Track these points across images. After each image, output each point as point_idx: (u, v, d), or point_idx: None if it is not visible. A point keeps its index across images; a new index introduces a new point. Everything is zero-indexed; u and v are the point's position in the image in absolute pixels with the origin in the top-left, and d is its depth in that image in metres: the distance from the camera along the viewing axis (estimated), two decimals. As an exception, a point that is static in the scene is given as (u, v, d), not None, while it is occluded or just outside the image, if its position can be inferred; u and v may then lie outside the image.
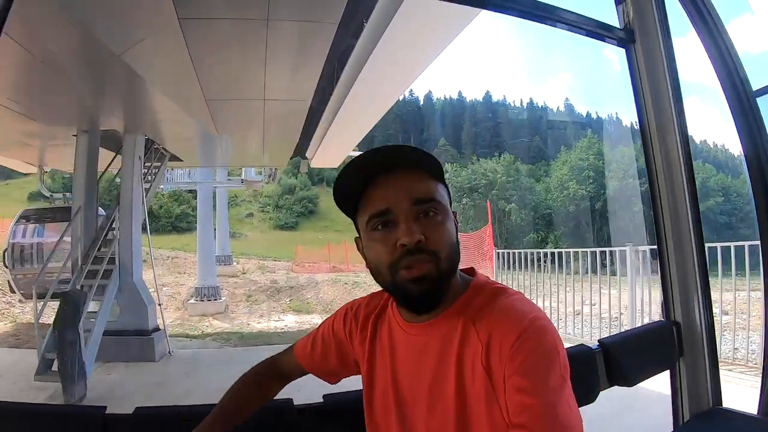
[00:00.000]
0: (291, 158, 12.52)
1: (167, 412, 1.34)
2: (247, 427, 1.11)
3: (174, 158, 9.54)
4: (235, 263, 21.14)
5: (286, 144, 9.36)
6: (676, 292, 1.78)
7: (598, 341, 1.60)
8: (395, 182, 0.87)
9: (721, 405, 1.76)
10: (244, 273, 20.58)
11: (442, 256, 0.85)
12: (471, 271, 0.97)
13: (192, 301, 16.42)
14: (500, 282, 0.98)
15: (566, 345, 0.87)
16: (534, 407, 0.74)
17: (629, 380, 1.64)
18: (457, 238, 0.89)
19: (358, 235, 0.94)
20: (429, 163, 0.89)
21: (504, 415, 0.80)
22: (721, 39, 1.69)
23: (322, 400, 1.30)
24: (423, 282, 0.85)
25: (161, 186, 16.41)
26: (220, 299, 16.37)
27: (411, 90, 38.72)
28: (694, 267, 1.76)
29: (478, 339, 0.84)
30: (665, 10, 1.77)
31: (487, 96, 39.92)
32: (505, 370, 0.79)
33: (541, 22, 1.76)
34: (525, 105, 39.34)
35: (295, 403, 1.29)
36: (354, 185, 0.90)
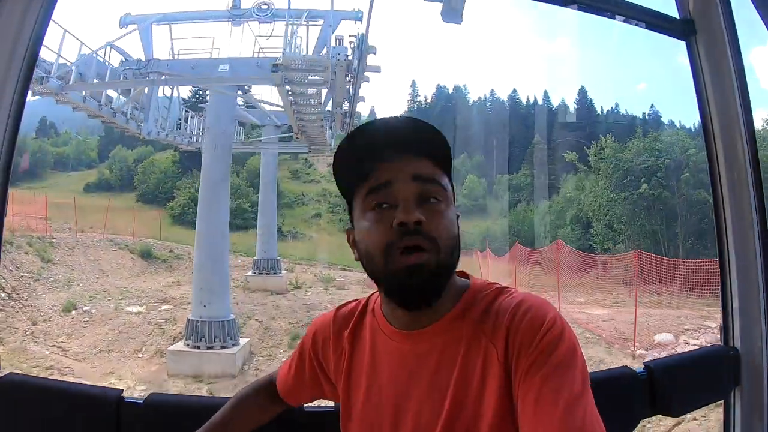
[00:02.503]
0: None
1: (179, 401, 1.35)
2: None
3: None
4: (284, 272, 17.42)
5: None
6: (737, 316, 1.59)
7: (645, 364, 1.45)
8: (400, 164, 0.81)
9: (781, 441, 1.55)
10: (298, 287, 16.35)
11: (442, 245, 0.78)
12: (464, 275, 0.90)
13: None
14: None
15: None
16: (555, 415, 0.70)
17: (675, 410, 1.49)
18: (458, 233, 0.82)
19: (350, 227, 0.88)
20: (438, 150, 0.84)
21: (518, 420, 0.74)
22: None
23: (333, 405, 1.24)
24: (420, 272, 0.77)
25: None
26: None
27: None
28: (758, 288, 1.55)
29: (491, 342, 0.79)
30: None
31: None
32: (524, 373, 0.74)
33: (598, 14, 1.67)
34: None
35: None
36: (358, 159, 0.83)
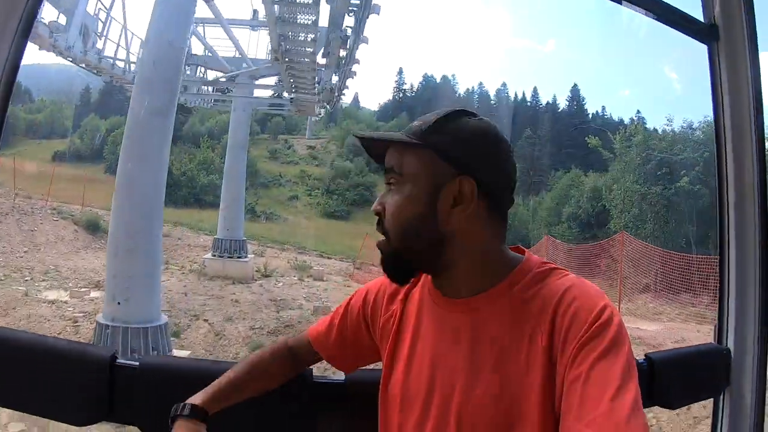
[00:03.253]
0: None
1: (174, 364, 1.31)
2: (262, 397, 1.06)
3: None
4: (250, 257, 14.65)
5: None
6: (732, 317, 1.64)
7: (646, 355, 1.48)
8: (386, 157, 0.88)
9: (765, 441, 1.61)
10: (267, 276, 13.66)
11: (391, 236, 0.85)
12: (520, 250, 0.89)
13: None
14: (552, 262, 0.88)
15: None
16: (599, 410, 0.68)
17: (673, 403, 1.53)
18: (430, 212, 0.82)
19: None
20: (403, 137, 0.86)
21: (561, 412, 0.73)
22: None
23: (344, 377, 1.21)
24: (381, 252, 0.88)
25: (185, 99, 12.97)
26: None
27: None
28: (754, 290, 1.61)
29: (536, 324, 0.78)
30: (753, 10, 1.63)
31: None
32: (568, 365, 0.73)
33: (625, 5, 1.66)
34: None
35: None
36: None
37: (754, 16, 1.59)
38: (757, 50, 1.62)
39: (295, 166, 27.74)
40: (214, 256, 14.06)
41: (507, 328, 0.79)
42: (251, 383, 1.04)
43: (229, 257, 13.90)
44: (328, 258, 18.07)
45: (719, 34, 1.64)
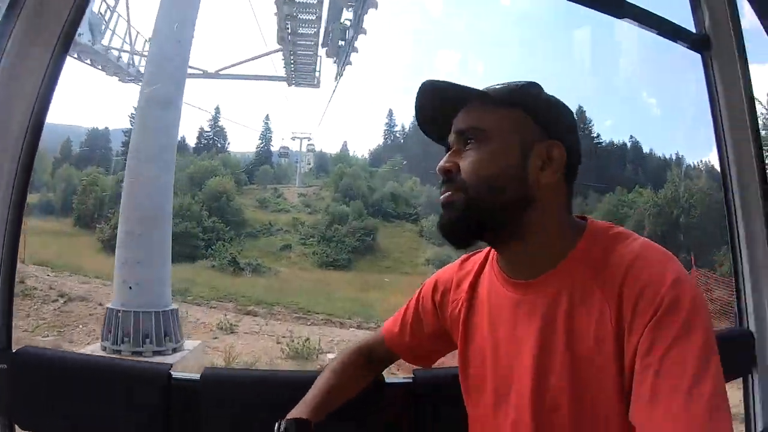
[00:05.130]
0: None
1: (236, 375, 1.27)
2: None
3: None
4: (190, 349, 7.88)
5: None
6: (749, 300, 1.73)
7: None
8: (455, 120, 0.86)
9: (796, 418, 1.68)
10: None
11: (470, 186, 0.80)
12: (582, 218, 0.87)
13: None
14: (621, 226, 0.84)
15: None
16: (676, 404, 0.64)
17: None
18: (518, 169, 0.80)
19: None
20: (489, 93, 0.83)
21: (628, 388, 0.70)
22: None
23: (412, 377, 1.22)
24: (448, 209, 0.82)
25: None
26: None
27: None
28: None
29: (604, 297, 0.74)
30: (740, 21, 1.81)
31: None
32: (640, 347, 0.69)
33: (615, 16, 1.79)
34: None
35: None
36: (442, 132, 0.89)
37: (740, 26, 1.77)
38: (746, 58, 1.78)
39: (286, 214, 24.99)
40: (105, 349, 7.45)
41: (578, 302, 0.76)
42: (340, 391, 1.03)
43: (136, 351, 7.17)
44: (341, 326, 12.30)
45: (711, 44, 1.80)
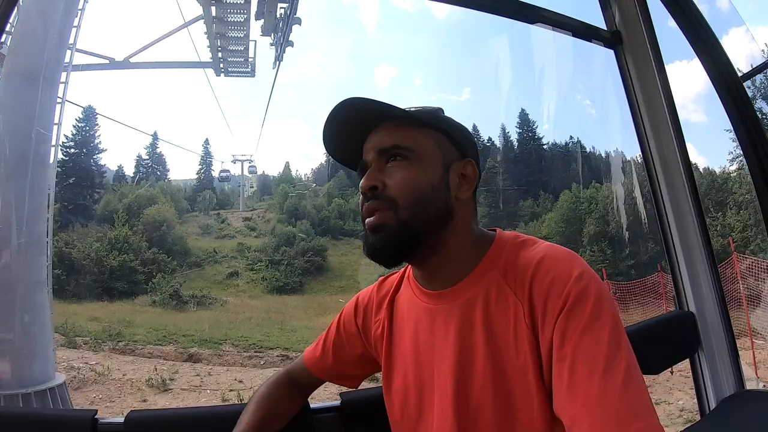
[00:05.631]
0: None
1: (162, 415, 1.20)
2: None
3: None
4: None
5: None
6: (687, 283, 1.79)
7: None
8: (373, 137, 0.86)
9: (745, 388, 1.75)
10: None
11: (401, 204, 0.81)
12: (492, 230, 0.91)
13: None
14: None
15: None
16: (592, 390, 0.66)
17: (653, 369, 1.61)
18: (441, 186, 0.84)
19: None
20: (408, 114, 0.86)
21: (548, 385, 0.73)
22: (704, 31, 1.83)
23: (338, 400, 1.20)
24: (379, 231, 0.82)
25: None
26: None
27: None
28: (702, 256, 1.78)
29: (517, 298, 0.78)
30: (649, 11, 1.89)
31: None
32: (552, 340, 0.72)
33: (527, 22, 1.84)
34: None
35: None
36: (348, 153, 0.91)
37: (651, 19, 1.85)
38: (660, 51, 1.86)
39: (231, 240, 23.68)
40: None
41: (493, 305, 0.80)
42: (271, 419, 0.99)
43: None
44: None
45: (623, 39, 1.87)
